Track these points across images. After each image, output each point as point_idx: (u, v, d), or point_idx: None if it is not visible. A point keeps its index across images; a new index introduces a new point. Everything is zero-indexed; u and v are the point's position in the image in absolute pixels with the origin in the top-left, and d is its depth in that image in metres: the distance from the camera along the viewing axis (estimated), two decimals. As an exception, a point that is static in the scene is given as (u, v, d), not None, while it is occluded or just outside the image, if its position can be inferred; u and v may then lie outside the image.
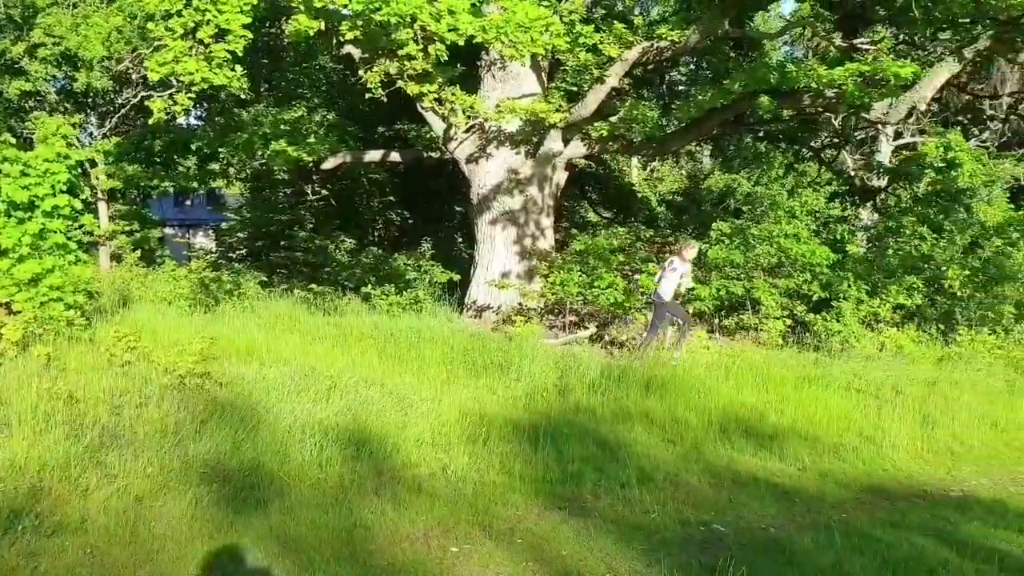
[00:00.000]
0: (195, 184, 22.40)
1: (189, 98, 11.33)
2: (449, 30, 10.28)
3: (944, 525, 6.29)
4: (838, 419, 8.92)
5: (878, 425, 8.77)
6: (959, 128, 19.51)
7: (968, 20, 12.72)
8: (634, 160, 27.85)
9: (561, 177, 15.65)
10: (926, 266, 14.31)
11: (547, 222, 15.25)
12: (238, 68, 11.23)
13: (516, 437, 7.53)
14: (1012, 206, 19.06)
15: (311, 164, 15.82)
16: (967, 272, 13.78)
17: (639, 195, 24.54)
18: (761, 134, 18.82)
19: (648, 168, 31.44)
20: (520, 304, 14.02)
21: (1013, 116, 20.59)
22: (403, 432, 7.18)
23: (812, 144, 19.53)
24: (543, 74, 15.30)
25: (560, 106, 14.23)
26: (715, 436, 8.20)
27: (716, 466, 7.43)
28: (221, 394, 7.40)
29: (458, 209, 21.38)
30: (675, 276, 11.80)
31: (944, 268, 13.99)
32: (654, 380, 9.58)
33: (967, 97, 20.99)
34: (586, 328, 13.47)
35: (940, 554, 5.61)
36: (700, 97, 13.42)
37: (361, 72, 12.33)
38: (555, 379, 9.78)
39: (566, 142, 14.61)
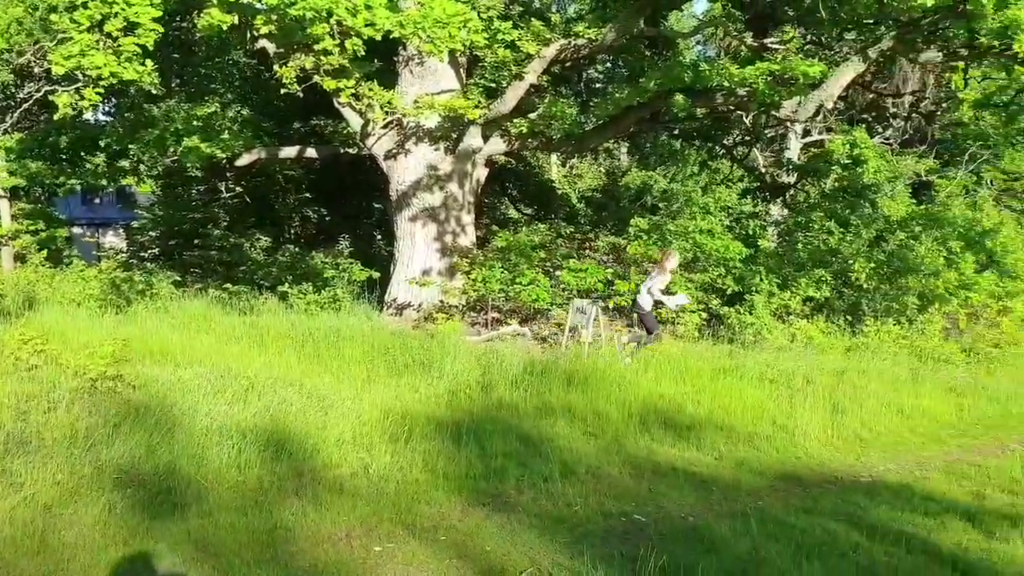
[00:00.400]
0: (104, 182, 21.60)
1: (97, 93, 10.93)
2: (366, 25, 10.16)
3: (854, 510, 6.51)
4: (752, 409, 9.16)
5: (790, 414, 9.04)
6: (864, 126, 20.23)
7: (872, 21, 13.20)
8: (554, 157, 28.04)
9: (481, 173, 15.66)
10: (834, 259, 14.79)
11: (468, 219, 15.24)
12: (149, 62, 10.90)
13: (439, 435, 7.51)
14: (914, 201, 19.84)
15: (225, 161, 15.46)
16: (872, 265, 14.30)
17: (559, 192, 24.74)
18: (676, 132, 19.17)
19: (568, 165, 31.72)
20: (442, 301, 13.99)
21: (914, 114, 21.43)
22: (323, 432, 7.09)
23: (725, 142, 19.99)
24: (462, 70, 15.27)
25: (479, 102, 14.23)
26: (635, 428, 8.33)
27: (636, 457, 7.55)
28: (134, 397, 7.19)
29: (377, 206, 21.20)
30: (657, 285, 11.79)
31: (851, 261, 14.48)
32: (576, 375, 9.67)
33: (871, 96, 21.74)
34: (508, 324, 13.52)
35: (851, 538, 5.81)
36: (617, 95, 13.59)
37: (276, 67, 12.11)
38: (478, 376, 9.78)
39: (486, 138, 14.62)
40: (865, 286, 14.32)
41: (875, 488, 7.20)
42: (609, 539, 5.67)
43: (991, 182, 22.83)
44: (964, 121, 19.87)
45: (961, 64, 14.02)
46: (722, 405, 9.25)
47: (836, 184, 17.74)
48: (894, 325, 13.60)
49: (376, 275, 15.41)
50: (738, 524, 5.87)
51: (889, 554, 5.55)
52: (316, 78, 11.94)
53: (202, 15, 10.82)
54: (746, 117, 16.75)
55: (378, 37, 10.34)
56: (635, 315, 12.30)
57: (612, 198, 23.97)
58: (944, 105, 20.48)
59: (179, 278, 15.43)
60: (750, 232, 17.00)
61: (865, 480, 7.50)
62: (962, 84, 15.88)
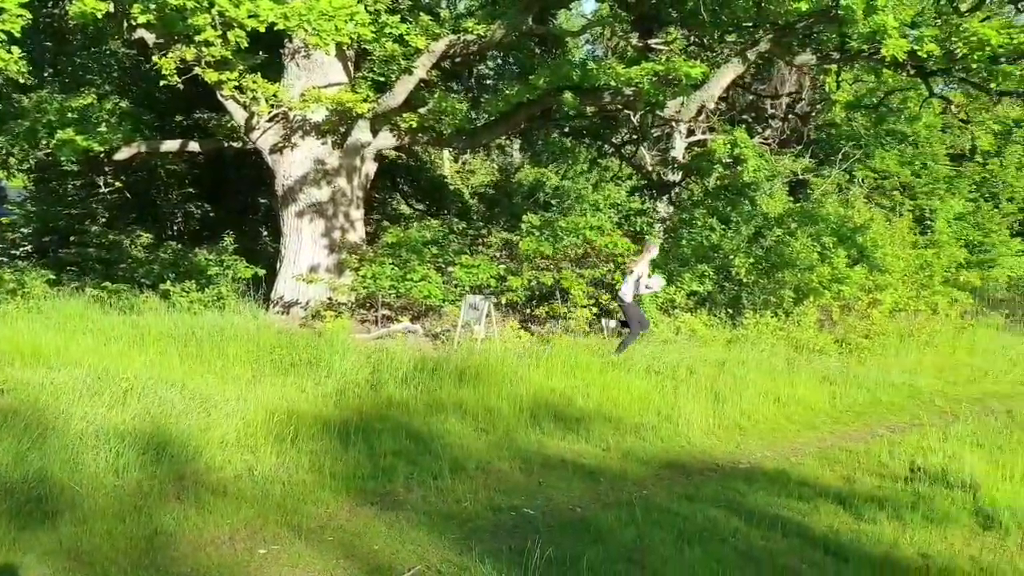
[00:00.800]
0: (-32, 176, 20.45)
1: (-42, 81, 10.35)
2: (249, 16, 9.93)
3: (734, 496, 6.76)
4: (639, 400, 9.39)
5: (674, 404, 9.29)
6: (744, 126, 20.95)
7: (750, 24, 13.68)
8: (446, 153, 27.99)
9: (371, 168, 15.49)
10: (716, 255, 15.30)
11: (357, 214, 15.06)
12: (15, 50, 10.36)
13: (326, 434, 7.42)
14: (791, 199, 20.70)
15: (103, 154, 14.81)
16: (751, 260, 14.85)
17: (451, 188, 24.71)
18: (567, 130, 19.43)
19: (460, 161, 31.71)
20: (330, 299, 13.78)
21: (791, 115, 22.32)
22: (206, 434, 6.90)
23: (614, 140, 20.38)
24: (350, 64, 15.07)
25: (368, 96, 14.07)
26: (526, 422, 8.42)
27: (527, 451, 7.63)
28: (3, 402, 6.84)
29: (263, 201, 20.69)
30: (633, 278, 12.00)
31: (731, 257, 15.00)
32: (467, 371, 9.70)
33: (751, 97, 22.57)
34: (400, 321, 13.44)
35: (731, 523, 6.04)
36: (507, 92, 13.68)
37: (155, 58, 11.69)
38: (367, 374, 9.71)
39: (375, 133, 14.47)
40: (745, 280, 14.87)
41: (753, 474, 7.49)
42: (498, 533, 5.72)
43: (862, 180, 23.99)
44: (837, 122, 20.83)
45: (834, 67, 14.70)
46: (610, 397, 9.44)
47: (718, 182, 18.33)
48: (772, 317, 14.15)
49: (262, 272, 15.05)
50: (624, 513, 6.02)
51: (766, 538, 5.80)
52: (197, 70, 11.59)
53: (74, 2, 10.37)
54: (633, 116, 17.11)
55: (262, 29, 10.12)
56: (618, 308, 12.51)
57: (505, 194, 24.08)
58: (819, 106, 21.42)
59: (54, 276, 14.68)
60: (638, 228, 17.41)
61: (744, 467, 7.79)
62: (835, 86, 16.68)
